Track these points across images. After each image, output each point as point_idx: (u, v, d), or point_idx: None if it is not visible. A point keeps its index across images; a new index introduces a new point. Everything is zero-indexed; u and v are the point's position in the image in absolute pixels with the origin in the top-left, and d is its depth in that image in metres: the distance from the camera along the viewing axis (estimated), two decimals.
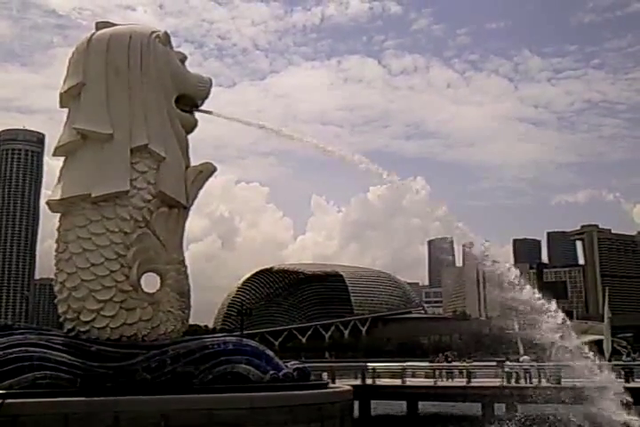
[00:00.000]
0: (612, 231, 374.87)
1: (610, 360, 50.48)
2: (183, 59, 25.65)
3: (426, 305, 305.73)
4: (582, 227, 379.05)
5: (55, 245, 23.27)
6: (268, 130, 27.14)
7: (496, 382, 40.22)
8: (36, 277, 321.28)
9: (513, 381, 39.95)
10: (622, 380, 38.81)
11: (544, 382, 38.12)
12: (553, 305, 22.48)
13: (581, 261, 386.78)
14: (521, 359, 42.83)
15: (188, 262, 24.58)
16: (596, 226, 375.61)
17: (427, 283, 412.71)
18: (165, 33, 25.03)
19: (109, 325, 22.13)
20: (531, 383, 38.45)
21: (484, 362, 53.06)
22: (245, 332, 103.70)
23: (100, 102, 23.33)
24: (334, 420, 22.35)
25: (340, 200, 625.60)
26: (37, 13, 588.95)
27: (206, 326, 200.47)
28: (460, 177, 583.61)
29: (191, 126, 25.45)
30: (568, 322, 22.47)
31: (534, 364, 39.84)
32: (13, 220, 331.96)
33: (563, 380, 34.25)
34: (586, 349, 22.47)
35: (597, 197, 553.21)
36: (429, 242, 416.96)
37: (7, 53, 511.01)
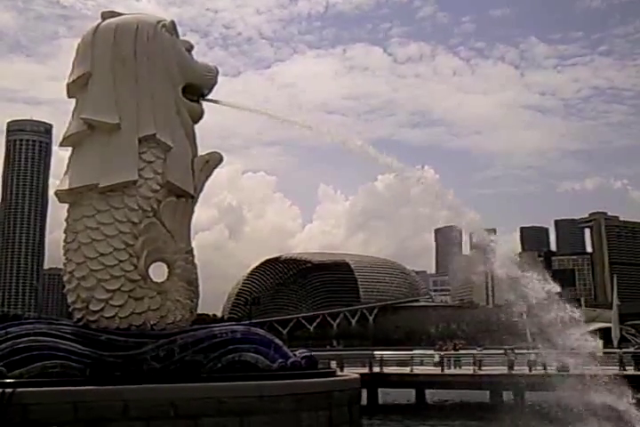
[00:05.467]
0: (621, 219, 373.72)
1: (619, 348, 50.49)
2: (190, 48, 25.57)
3: (433, 293, 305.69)
4: (590, 214, 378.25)
5: (64, 236, 23.32)
6: (275, 118, 27.12)
7: (504, 369, 40.36)
8: (45, 267, 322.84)
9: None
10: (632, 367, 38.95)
11: (552, 370, 38.16)
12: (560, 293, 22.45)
13: (589, 248, 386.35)
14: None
15: (195, 252, 24.62)
16: (604, 213, 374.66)
17: (434, 271, 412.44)
18: (172, 22, 24.95)
19: (118, 314, 22.21)
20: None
21: (493, 350, 53.06)
22: (253, 320, 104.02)
23: (107, 92, 23.31)
24: (342, 408, 22.43)
25: (348, 189, 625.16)
26: (42, 4, 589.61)
27: (214, 315, 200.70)
28: (467, 165, 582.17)
29: (198, 116, 25.41)
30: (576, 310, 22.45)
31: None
32: (22, 210, 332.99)
33: (571, 367, 34.25)
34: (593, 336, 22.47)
35: (605, 185, 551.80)
36: (436, 230, 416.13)
37: (12, 44, 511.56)
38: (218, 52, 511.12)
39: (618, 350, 45.65)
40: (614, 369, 32.41)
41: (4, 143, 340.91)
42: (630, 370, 37.93)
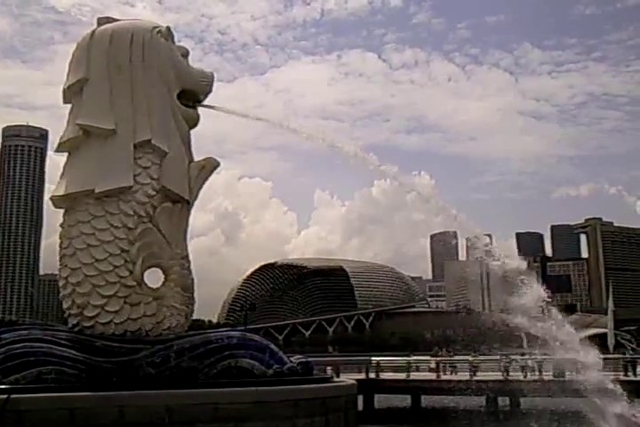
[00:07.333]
0: (616, 224, 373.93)
1: (622, 353, 50.47)
2: (185, 53, 25.62)
3: (429, 299, 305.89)
4: (586, 220, 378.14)
5: (59, 241, 23.31)
6: (271, 124, 27.20)
7: (500, 375, 40.35)
8: (41, 272, 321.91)
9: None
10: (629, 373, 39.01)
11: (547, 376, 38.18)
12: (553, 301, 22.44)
13: (585, 254, 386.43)
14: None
15: (191, 257, 24.62)
16: (600, 219, 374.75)
17: (430, 277, 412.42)
18: (167, 28, 25.00)
19: (113, 320, 22.18)
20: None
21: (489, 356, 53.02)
22: (249, 326, 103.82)
23: (103, 98, 23.35)
24: (338, 414, 22.39)
25: (344, 194, 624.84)
26: (37, 10, 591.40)
27: (210, 321, 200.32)
28: (463, 171, 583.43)
29: (194, 121, 25.45)
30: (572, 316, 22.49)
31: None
32: (17, 215, 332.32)
33: (566, 373, 34.28)
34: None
35: (600, 191, 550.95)
36: (432, 236, 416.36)
37: (8, 50, 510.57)
38: (213, 58, 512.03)
39: (619, 356, 45.71)
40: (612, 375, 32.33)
41: None
42: (628, 375, 37.95)
